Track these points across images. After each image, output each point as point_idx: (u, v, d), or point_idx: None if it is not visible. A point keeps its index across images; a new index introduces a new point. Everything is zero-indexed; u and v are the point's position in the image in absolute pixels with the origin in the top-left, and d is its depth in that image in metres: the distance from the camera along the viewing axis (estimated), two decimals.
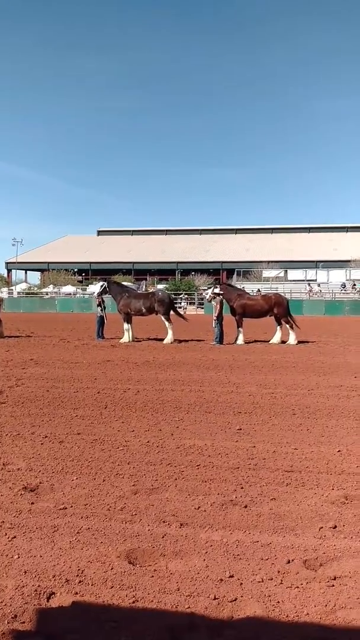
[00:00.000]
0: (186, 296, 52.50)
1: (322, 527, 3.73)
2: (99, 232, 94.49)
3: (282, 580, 3.04)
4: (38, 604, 2.81)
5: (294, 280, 57.90)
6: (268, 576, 3.08)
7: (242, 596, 2.89)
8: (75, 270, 76.84)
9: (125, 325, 17.49)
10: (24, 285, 69.95)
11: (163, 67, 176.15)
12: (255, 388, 9.06)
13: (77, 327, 24.84)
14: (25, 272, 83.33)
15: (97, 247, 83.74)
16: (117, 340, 17.45)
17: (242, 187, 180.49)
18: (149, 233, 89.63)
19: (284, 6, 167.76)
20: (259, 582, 3.03)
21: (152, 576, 3.09)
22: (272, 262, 64.41)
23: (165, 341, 16.96)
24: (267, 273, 61.16)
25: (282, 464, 5.12)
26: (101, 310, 18.23)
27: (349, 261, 61.73)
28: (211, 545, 3.45)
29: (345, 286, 54.79)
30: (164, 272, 72.64)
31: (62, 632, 2.58)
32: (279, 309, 17.26)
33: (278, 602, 2.83)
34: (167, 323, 17.20)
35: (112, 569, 3.16)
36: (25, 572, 3.12)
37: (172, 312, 17.61)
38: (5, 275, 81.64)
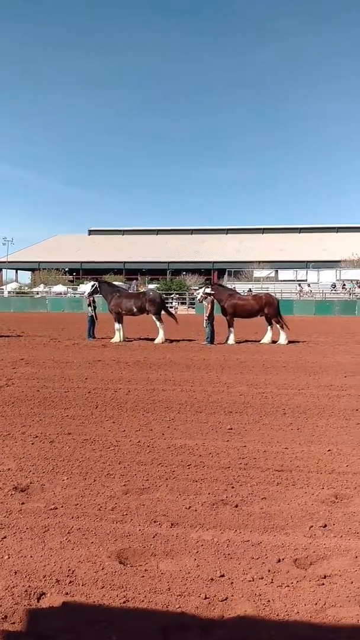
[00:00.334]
0: (177, 296, 52.48)
1: (312, 526, 3.75)
2: (90, 232, 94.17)
3: (272, 579, 3.05)
4: (28, 604, 2.80)
5: (284, 281, 58.04)
6: (259, 575, 3.09)
7: (232, 595, 2.90)
8: (66, 269, 76.52)
9: (116, 325, 17.46)
10: (14, 285, 69.57)
11: (160, 67, 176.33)
12: (246, 388, 9.08)
13: (68, 326, 24.76)
14: (16, 272, 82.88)
15: (88, 246, 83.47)
16: (108, 340, 17.42)
17: (234, 187, 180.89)
18: (140, 233, 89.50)
19: (284, 6, 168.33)
20: (250, 581, 3.04)
21: (143, 576, 3.09)
22: (262, 262, 64.54)
23: (156, 341, 16.95)
24: (257, 273, 61.28)
25: (272, 463, 5.14)
26: (92, 309, 18.18)
27: (339, 261, 62.01)
28: (202, 545, 3.46)
29: (335, 286, 55.04)
30: (155, 271, 72.55)
31: (52, 633, 2.57)
32: (270, 309, 17.31)
33: (269, 601, 2.84)
34: (158, 323, 17.19)
35: (102, 569, 3.15)
36: (15, 572, 3.10)
37: (163, 312, 17.61)
38: None
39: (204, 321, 17.00)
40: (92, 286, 18.36)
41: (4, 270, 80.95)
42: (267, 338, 17.33)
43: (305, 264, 65.04)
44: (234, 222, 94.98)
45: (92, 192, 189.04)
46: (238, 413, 7.24)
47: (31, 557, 3.29)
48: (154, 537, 3.56)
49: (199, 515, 3.93)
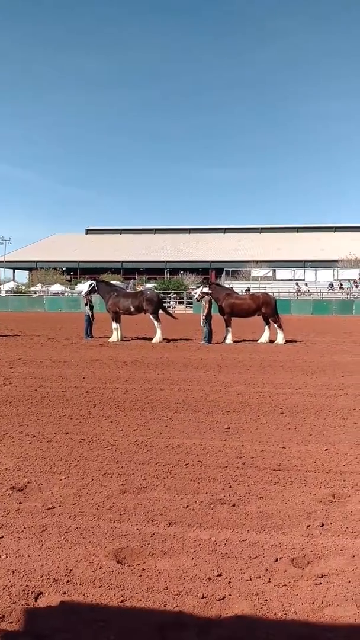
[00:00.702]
0: (175, 295, 52.48)
1: (309, 526, 3.76)
2: (88, 231, 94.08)
3: (270, 579, 3.06)
4: (26, 603, 2.80)
5: (282, 280, 58.09)
6: (256, 574, 3.10)
7: (230, 595, 2.90)
8: (64, 269, 76.47)
9: (114, 324, 17.45)
10: (12, 284, 69.50)
11: (159, 67, 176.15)
12: (244, 387, 9.09)
13: (65, 326, 24.73)
14: (14, 271, 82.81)
15: (85, 245, 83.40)
16: (106, 339, 17.41)
17: (231, 187, 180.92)
18: (137, 232, 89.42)
19: (283, 6, 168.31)
20: (247, 580, 3.04)
21: (141, 575, 3.09)
22: (260, 261, 64.59)
23: (154, 340, 16.95)
24: (255, 272, 61.34)
25: (270, 462, 5.15)
26: (89, 309, 18.17)
27: (336, 261, 62.10)
28: (199, 544, 3.46)
29: (332, 286, 55.12)
30: (152, 271, 72.54)
31: (50, 632, 2.57)
32: (267, 309, 17.32)
33: (266, 600, 2.85)
34: (155, 322, 17.19)
35: (100, 568, 3.16)
36: (13, 572, 3.10)
37: (160, 311, 17.61)
38: None
39: (202, 320, 17.01)
40: (90, 285, 18.35)
41: (1, 270, 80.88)
42: (264, 337, 17.35)
43: (302, 264, 65.11)
44: (232, 222, 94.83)
45: (89, 192, 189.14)
46: (235, 412, 7.25)
47: (29, 556, 3.29)
48: (151, 536, 3.57)
49: (196, 515, 3.93)
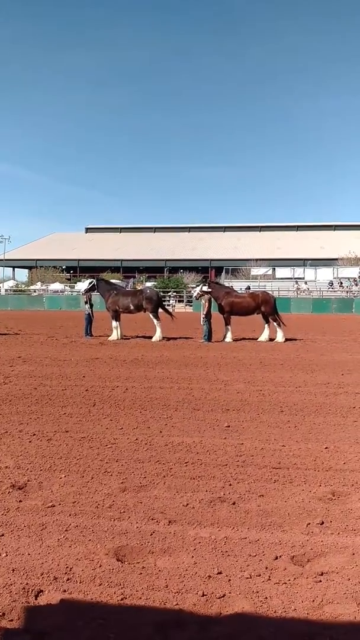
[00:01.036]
0: (175, 294, 52.46)
1: (309, 524, 3.76)
2: (87, 230, 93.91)
3: (270, 577, 3.06)
4: (26, 601, 2.80)
5: (282, 278, 58.03)
6: (256, 572, 3.10)
7: (230, 592, 2.90)
8: (64, 267, 76.37)
9: (114, 323, 17.45)
10: (11, 283, 69.40)
11: (155, 65, 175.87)
12: (244, 385, 9.09)
13: (65, 324, 24.72)
14: (13, 270, 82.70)
15: (85, 244, 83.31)
16: (106, 337, 17.41)
17: (231, 185, 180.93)
18: (137, 230, 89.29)
19: (282, 5, 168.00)
20: (247, 578, 3.04)
21: (141, 573, 3.09)
22: (260, 260, 64.51)
23: (153, 339, 16.94)
24: (255, 271, 61.24)
25: (270, 460, 5.15)
26: (89, 307, 18.17)
27: (336, 259, 62.03)
28: (199, 542, 3.47)
29: (332, 284, 55.09)
30: (152, 269, 72.44)
31: (50, 630, 2.58)
32: (267, 307, 17.32)
33: (266, 598, 2.85)
34: (155, 321, 17.18)
35: (100, 566, 3.16)
36: (13, 570, 3.11)
37: (160, 310, 17.60)
38: None
39: (202, 319, 17.01)
40: (90, 284, 18.35)
41: (1, 268, 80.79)
42: (264, 336, 17.34)
43: (302, 262, 64.99)
44: (232, 220, 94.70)
45: (89, 190, 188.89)
46: (235, 411, 7.25)
47: (29, 554, 3.29)
48: (151, 534, 3.57)
49: (196, 513, 3.93)
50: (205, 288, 17.51)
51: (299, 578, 3.05)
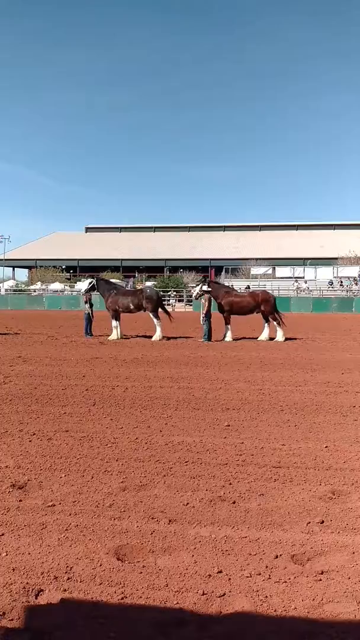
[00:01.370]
0: (175, 293, 52.46)
1: (309, 522, 3.76)
2: (87, 229, 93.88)
3: (270, 575, 3.06)
4: (26, 601, 2.80)
5: (282, 278, 58.02)
6: (256, 571, 3.10)
7: (230, 591, 2.90)
8: (63, 267, 76.36)
9: (114, 323, 17.45)
10: (11, 282, 69.37)
11: (154, 65, 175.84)
12: (244, 385, 9.09)
13: (65, 324, 24.73)
14: (13, 269, 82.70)
15: (85, 244, 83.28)
16: (106, 337, 17.41)
17: (231, 184, 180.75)
18: (137, 230, 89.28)
19: (279, 3, 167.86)
20: (247, 577, 3.04)
21: (141, 572, 3.09)
22: (260, 259, 64.51)
23: (153, 338, 16.94)
24: (255, 270, 61.24)
25: (270, 460, 5.15)
26: (89, 307, 18.18)
27: (336, 258, 62.02)
28: (200, 541, 3.47)
29: (332, 283, 55.09)
30: (152, 269, 72.43)
31: (50, 629, 2.58)
32: (266, 306, 17.32)
33: (266, 596, 2.85)
34: (155, 320, 17.18)
35: (100, 565, 3.16)
36: (13, 569, 3.11)
37: (159, 309, 17.60)
38: None
39: (201, 318, 17.01)
40: (90, 284, 18.36)
41: (0, 268, 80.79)
42: (264, 335, 17.34)
43: (302, 261, 64.97)
44: (231, 220, 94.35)
45: (89, 190, 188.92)
46: (235, 410, 7.25)
47: (29, 554, 3.29)
48: (151, 533, 3.57)
49: (196, 512, 3.93)
50: (205, 287, 17.50)
51: (299, 577, 3.05)
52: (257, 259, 64.16)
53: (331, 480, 4.61)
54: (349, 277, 55.52)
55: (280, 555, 3.30)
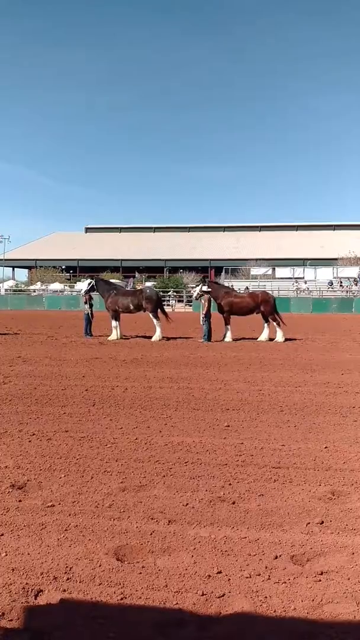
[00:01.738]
0: (174, 294, 52.46)
1: (309, 523, 3.76)
2: (87, 229, 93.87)
3: (269, 576, 3.06)
4: (26, 601, 2.80)
5: (281, 278, 58.03)
6: (256, 572, 3.10)
7: (230, 592, 2.90)
8: (63, 267, 76.35)
9: (113, 323, 17.46)
10: (11, 283, 69.38)
11: (154, 64, 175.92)
12: (243, 385, 9.09)
13: (64, 324, 24.72)
14: (13, 269, 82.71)
15: (85, 244, 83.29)
16: (105, 337, 17.41)
17: (230, 185, 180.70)
18: (137, 230, 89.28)
19: (267, 4, 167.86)
20: (247, 577, 3.04)
21: (140, 573, 3.09)
22: (260, 259, 64.51)
23: (153, 339, 16.94)
24: (255, 271, 61.24)
25: (269, 460, 5.15)
26: (89, 307, 18.18)
27: (336, 259, 62.03)
28: (199, 542, 3.47)
29: (332, 284, 55.10)
30: (152, 269, 72.43)
31: (50, 629, 2.58)
32: (266, 307, 17.32)
33: (266, 597, 2.85)
34: (155, 320, 17.18)
35: (100, 566, 3.16)
36: (12, 569, 3.11)
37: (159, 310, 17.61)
38: None
39: (201, 319, 17.02)
40: (89, 284, 18.36)
41: (0, 268, 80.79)
42: (264, 336, 17.34)
43: (302, 262, 64.96)
44: (231, 220, 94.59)
45: (89, 190, 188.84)
46: (235, 410, 7.25)
47: (28, 554, 3.29)
48: (151, 534, 3.57)
49: (196, 512, 3.93)
50: (204, 288, 17.51)
51: (298, 577, 3.05)
52: (257, 260, 64.15)
53: (331, 481, 4.61)
54: (348, 278, 55.53)
55: (280, 555, 3.30)
